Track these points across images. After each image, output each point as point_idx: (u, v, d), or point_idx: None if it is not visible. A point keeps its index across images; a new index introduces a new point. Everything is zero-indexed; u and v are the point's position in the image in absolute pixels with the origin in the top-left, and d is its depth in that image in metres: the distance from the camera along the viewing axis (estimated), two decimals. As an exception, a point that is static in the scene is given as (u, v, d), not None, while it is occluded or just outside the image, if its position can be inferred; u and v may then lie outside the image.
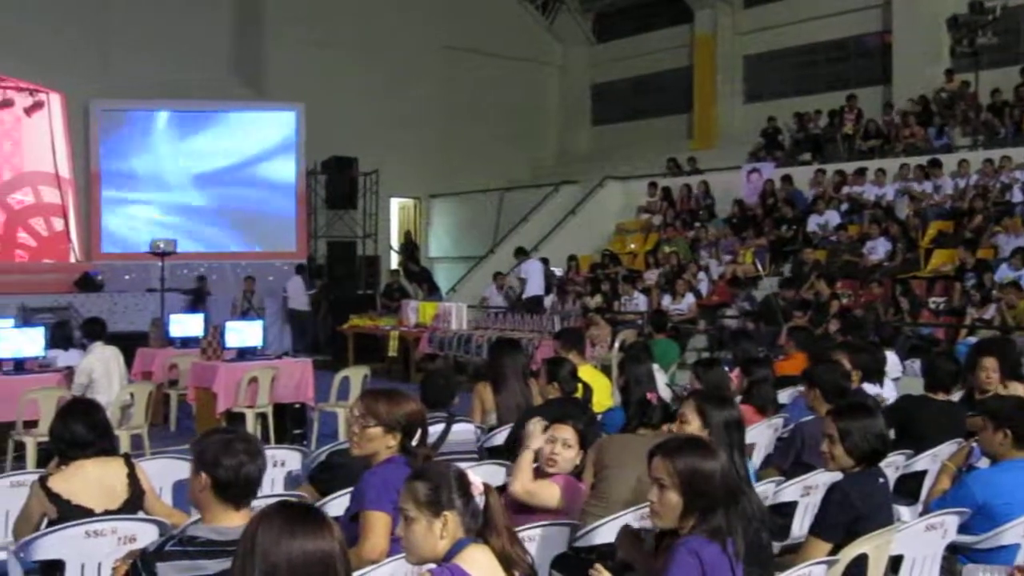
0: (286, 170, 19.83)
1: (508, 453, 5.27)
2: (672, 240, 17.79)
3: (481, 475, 3.10)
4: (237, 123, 19.67)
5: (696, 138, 22.69)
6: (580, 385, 5.96)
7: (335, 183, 20.68)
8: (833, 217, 16.03)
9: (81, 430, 4.21)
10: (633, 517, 4.06)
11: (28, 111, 18.97)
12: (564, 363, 6.08)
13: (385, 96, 21.22)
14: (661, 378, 7.55)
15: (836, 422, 4.11)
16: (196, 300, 17.35)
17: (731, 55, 22.62)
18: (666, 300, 15.14)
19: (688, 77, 23.23)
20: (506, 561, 2.95)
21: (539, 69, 25.14)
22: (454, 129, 22.59)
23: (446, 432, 5.00)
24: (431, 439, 4.68)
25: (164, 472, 5.11)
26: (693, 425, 4.16)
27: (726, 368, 6.87)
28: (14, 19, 17.56)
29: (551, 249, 18.95)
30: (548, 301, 16.27)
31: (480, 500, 2.99)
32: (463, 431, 5.29)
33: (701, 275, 15.91)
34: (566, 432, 4.45)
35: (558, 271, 17.85)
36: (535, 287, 16.62)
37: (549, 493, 4.36)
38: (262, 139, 19.79)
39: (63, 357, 9.55)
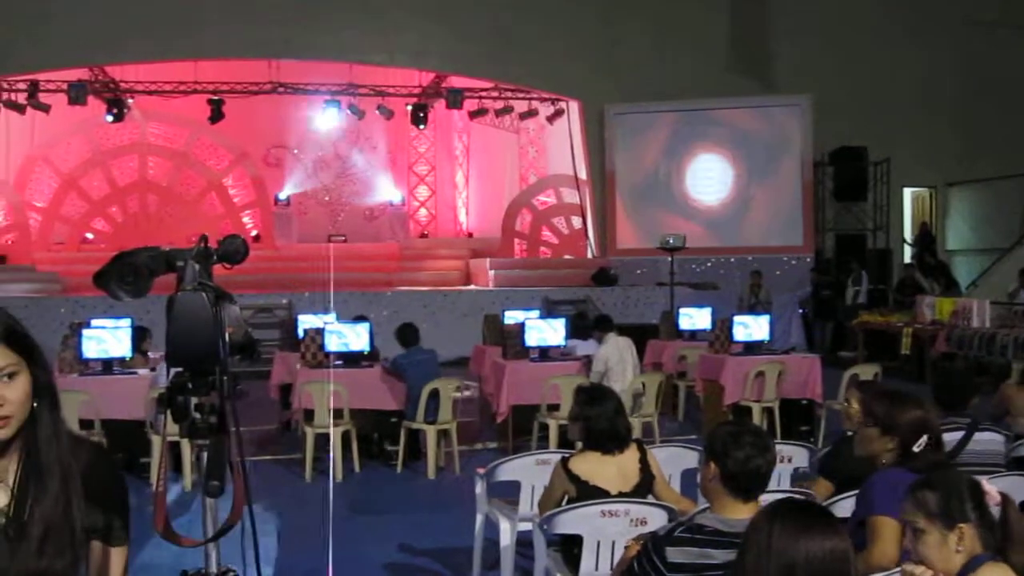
0: (792, 163, 19.61)
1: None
2: None
3: (1003, 487, 2.85)
4: (741, 117, 19.76)
5: None
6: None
7: (843, 174, 20.04)
8: None
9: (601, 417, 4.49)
10: None
11: (550, 119, 20.54)
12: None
13: (896, 79, 20.20)
14: None
15: None
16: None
17: None
18: None
19: None
20: None
21: (1077, 38, 22.56)
22: (973, 111, 20.82)
23: (966, 440, 4.63)
24: (948, 446, 4.39)
25: (673, 460, 5.27)
26: None
27: None
28: (537, 38, 19.10)
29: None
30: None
31: (996, 512, 2.76)
32: (988, 440, 4.85)
33: None
34: None
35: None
36: (1072, 281, 14.97)
37: None
38: (767, 132, 19.69)
39: (581, 346, 10.16)
